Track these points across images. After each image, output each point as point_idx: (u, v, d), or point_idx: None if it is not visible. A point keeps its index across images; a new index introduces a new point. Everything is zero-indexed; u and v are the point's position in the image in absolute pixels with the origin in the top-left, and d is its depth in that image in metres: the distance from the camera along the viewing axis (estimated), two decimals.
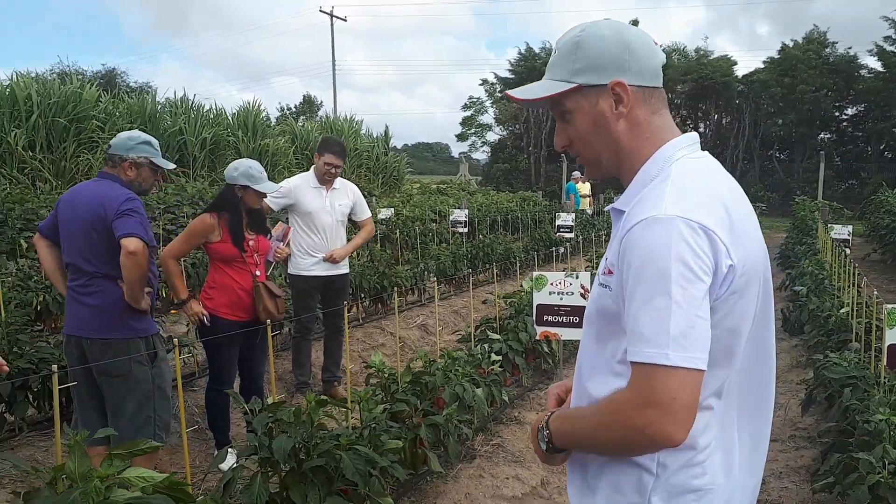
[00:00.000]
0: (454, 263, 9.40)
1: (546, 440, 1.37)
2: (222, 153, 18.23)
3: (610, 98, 1.33)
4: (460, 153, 43.78)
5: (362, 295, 7.47)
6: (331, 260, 5.01)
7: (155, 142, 3.37)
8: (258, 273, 4.00)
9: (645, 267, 1.18)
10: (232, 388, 3.96)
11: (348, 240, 5.32)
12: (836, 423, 3.73)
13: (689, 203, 1.21)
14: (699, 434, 1.25)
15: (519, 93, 1.42)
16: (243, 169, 3.91)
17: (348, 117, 25.31)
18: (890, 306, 3.85)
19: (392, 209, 13.05)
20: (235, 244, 3.90)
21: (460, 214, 12.05)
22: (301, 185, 5.05)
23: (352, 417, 3.26)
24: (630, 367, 1.21)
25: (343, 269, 5.20)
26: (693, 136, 1.37)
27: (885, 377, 3.80)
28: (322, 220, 5.02)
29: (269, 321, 3.50)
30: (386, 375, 3.71)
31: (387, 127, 26.64)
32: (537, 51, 36.47)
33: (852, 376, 4.00)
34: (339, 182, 5.18)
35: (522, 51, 36.96)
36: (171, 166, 3.49)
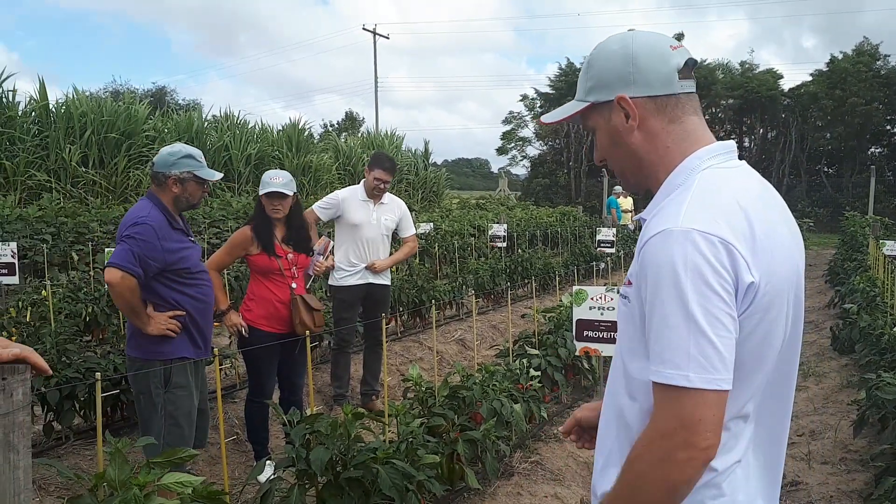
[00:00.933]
0: (493, 278, 9.36)
1: None
2: (267, 168, 18.56)
3: (620, 112, 1.32)
4: (499, 168, 43.79)
5: (401, 309, 7.50)
6: (371, 268, 5.06)
7: (197, 153, 3.28)
8: (294, 285, 4.03)
9: (662, 283, 1.14)
10: (271, 399, 3.99)
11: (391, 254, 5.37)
12: (890, 446, 3.58)
13: (708, 215, 1.16)
14: (719, 454, 1.19)
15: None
16: (262, 178, 4.01)
17: (389, 133, 25.57)
18: None
19: (431, 224, 13.10)
20: (265, 250, 3.92)
21: (499, 229, 12.03)
22: (349, 198, 5.13)
23: (389, 431, 3.26)
24: (647, 386, 1.19)
25: (384, 279, 5.25)
26: (727, 145, 1.32)
27: None
28: (366, 233, 5.08)
29: (307, 333, 3.52)
30: (423, 389, 3.69)
31: (426, 142, 26.86)
32: (578, 66, 36.37)
33: None
34: (388, 197, 5.26)
35: (563, 66, 36.86)
36: (217, 176, 3.40)
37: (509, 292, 5.85)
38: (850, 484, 4.10)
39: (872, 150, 32.04)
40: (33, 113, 14.76)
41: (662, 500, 1.15)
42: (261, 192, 3.97)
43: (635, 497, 1.17)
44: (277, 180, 3.92)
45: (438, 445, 3.36)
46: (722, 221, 1.15)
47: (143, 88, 41.27)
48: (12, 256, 6.53)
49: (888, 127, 31.47)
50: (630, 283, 1.26)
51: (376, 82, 37.65)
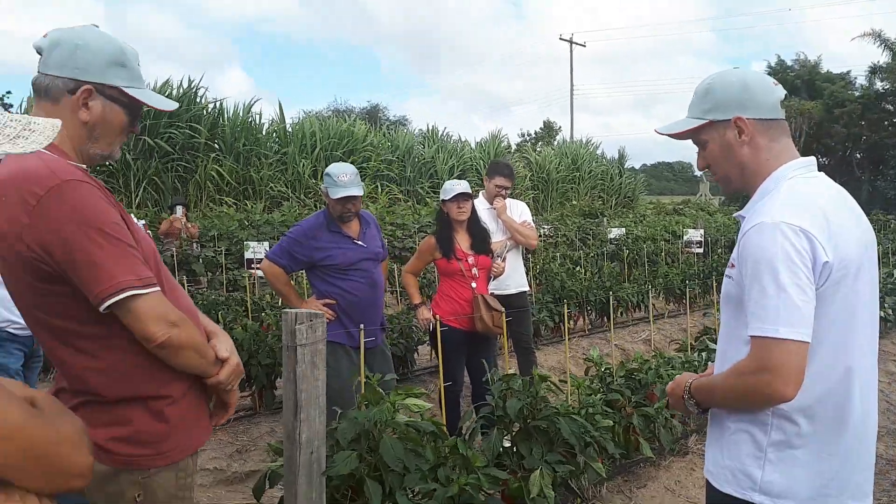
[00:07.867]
0: (683, 282, 9.49)
1: (695, 405, 1.79)
2: (467, 178, 19.91)
3: (734, 129, 1.68)
4: (701, 172, 41.83)
5: (588, 308, 8.02)
6: (497, 270, 4.60)
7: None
8: (475, 285, 4.38)
9: (759, 262, 1.52)
10: (461, 388, 4.48)
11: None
12: None
13: (793, 211, 1.54)
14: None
15: (664, 129, 1.82)
16: (444, 187, 4.45)
17: (585, 141, 25.91)
18: None
19: (623, 229, 13.34)
20: (444, 255, 4.35)
21: (695, 234, 11.98)
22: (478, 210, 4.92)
23: (570, 401, 3.83)
24: (740, 339, 1.62)
25: (518, 287, 5.22)
26: (809, 160, 1.71)
27: None
28: (497, 240, 4.97)
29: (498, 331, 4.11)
30: (602, 369, 4.22)
31: (621, 149, 26.82)
32: (789, 63, 33.97)
33: None
34: (510, 202, 5.25)
35: (773, 64, 34.61)
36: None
37: (706, 297, 6.08)
38: None
39: None
40: (274, 133, 17.28)
41: (742, 408, 1.66)
42: (444, 199, 4.36)
43: (724, 397, 1.69)
44: (459, 186, 4.37)
45: (615, 416, 3.86)
46: (803, 216, 1.55)
47: (360, 107, 45.27)
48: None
49: None
50: (733, 265, 1.67)
51: (572, 91, 38.00)
